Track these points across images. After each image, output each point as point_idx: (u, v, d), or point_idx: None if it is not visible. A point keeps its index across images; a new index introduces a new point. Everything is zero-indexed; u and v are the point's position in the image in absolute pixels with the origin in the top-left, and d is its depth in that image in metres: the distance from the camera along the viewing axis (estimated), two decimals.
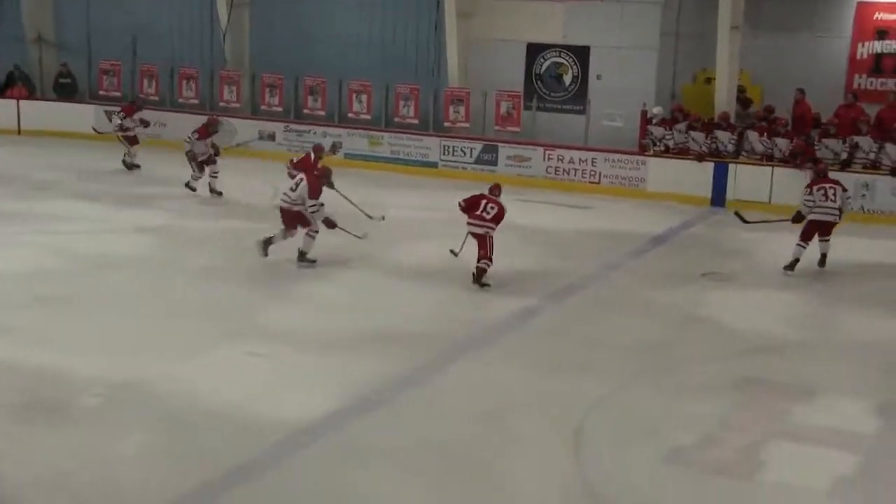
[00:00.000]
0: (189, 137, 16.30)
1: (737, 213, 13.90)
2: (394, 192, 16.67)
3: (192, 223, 14.38)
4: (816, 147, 17.02)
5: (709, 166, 17.60)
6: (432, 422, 7.67)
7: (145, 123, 18.68)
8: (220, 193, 16.20)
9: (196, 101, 22.07)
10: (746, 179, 17.35)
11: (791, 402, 8.37)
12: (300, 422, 7.50)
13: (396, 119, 20.58)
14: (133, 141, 18.41)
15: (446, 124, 20.23)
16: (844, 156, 16.86)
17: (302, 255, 12.29)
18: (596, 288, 12.09)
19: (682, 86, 19.59)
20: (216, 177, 16.14)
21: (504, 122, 19.74)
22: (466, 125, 20.06)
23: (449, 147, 19.61)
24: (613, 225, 15.50)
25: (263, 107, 21.82)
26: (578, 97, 19.94)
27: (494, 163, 19.16)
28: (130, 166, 18.40)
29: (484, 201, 11.93)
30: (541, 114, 19.90)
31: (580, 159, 18.60)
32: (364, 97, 20.80)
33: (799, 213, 12.73)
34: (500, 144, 19.33)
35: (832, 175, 16.52)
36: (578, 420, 7.68)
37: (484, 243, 11.73)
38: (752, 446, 7.40)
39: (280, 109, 21.54)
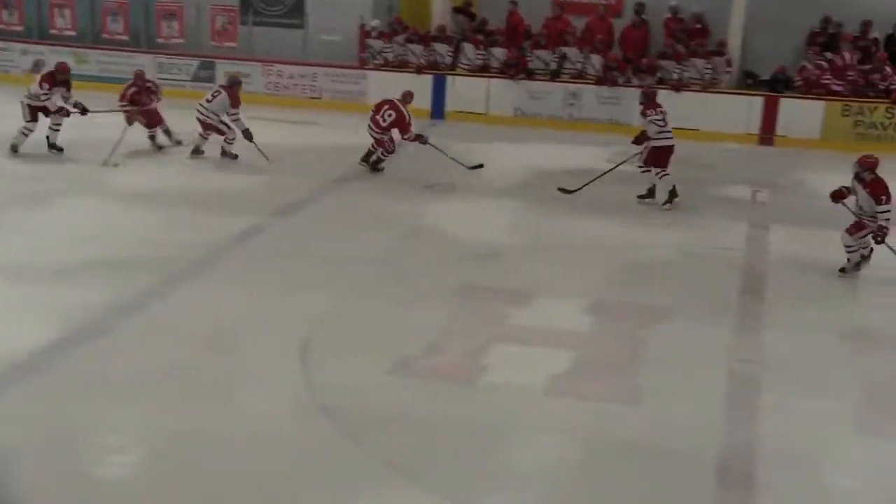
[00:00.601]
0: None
1: (560, 189, 12.46)
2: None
3: None
4: (528, 58, 17.64)
5: (427, 79, 17.87)
6: (157, 348, 7.43)
7: None
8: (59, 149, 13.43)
9: None
10: (464, 91, 17.78)
11: (511, 306, 8.72)
12: (15, 356, 7.03)
13: (105, 35, 19.51)
14: None
15: (159, 40, 19.41)
16: (554, 66, 17.59)
17: (234, 157, 13.24)
18: (321, 203, 12.07)
19: None
20: (57, 130, 13.39)
21: (220, 38, 19.18)
22: (181, 41, 19.32)
23: (164, 64, 18.82)
24: (337, 139, 15.45)
25: None
26: (296, 11, 19.61)
27: (212, 80, 18.56)
28: None
29: (385, 107, 12.64)
30: (258, 28, 19.44)
31: (300, 74, 18.42)
32: (67, 11, 19.54)
33: (644, 133, 11.98)
34: (217, 61, 18.76)
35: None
36: (306, 335, 7.69)
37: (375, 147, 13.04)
38: (474, 351, 7.67)
39: None
